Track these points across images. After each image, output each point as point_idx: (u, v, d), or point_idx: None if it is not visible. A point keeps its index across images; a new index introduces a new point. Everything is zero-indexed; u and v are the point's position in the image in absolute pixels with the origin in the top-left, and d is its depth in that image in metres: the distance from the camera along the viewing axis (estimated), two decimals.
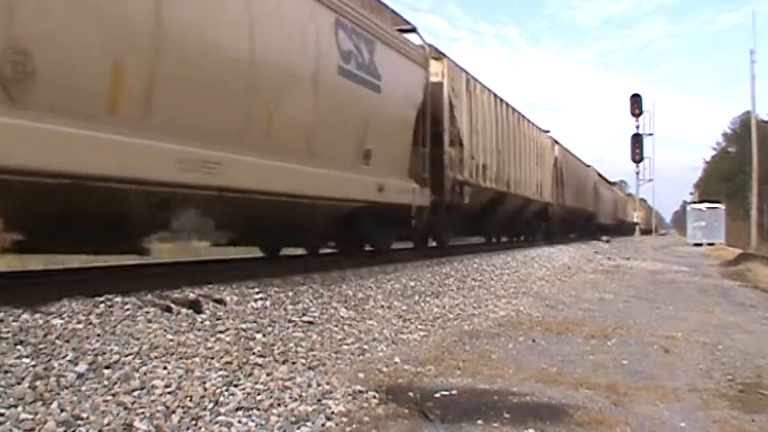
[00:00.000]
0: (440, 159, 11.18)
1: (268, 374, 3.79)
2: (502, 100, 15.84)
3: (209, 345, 4.07)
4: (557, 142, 23.83)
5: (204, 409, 3.15)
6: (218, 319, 4.69)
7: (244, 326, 4.67)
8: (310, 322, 5.26)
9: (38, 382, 3.00)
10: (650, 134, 35.80)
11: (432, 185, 10.59)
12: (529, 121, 18.98)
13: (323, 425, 3.21)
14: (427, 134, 10.52)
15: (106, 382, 3.18)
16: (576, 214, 28.00)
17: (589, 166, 33.37)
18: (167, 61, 4.99)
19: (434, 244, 13.25)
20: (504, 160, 15.71)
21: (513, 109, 17.03)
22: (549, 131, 22.21)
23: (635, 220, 38.39)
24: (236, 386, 3.50)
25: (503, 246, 17.72)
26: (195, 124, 5.36)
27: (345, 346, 4.84)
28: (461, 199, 12.38)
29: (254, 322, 4.85)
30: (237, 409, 3.23)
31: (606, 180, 41.42)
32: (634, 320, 7.17)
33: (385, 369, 4.35)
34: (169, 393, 3.22)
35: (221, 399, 3.31)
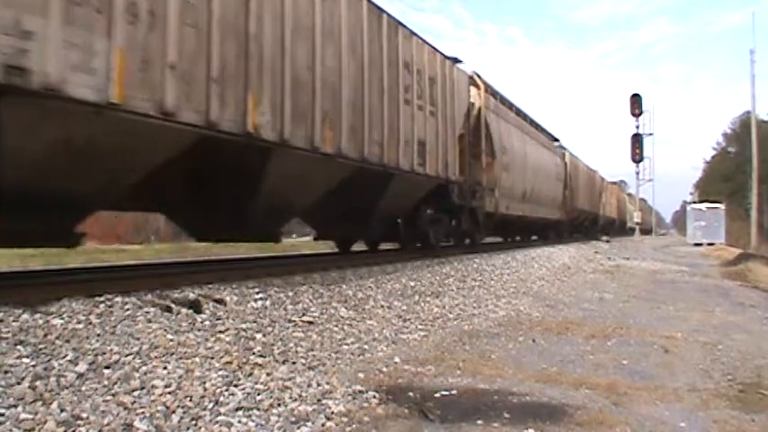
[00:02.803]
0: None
1: (268, 374, 3.79)
2: None
3: (209, 345, 4.07)
4: None
5: (204, 409, 3.15)
6: (218, 319, 4.69)
7: (244, 326, 4.67)
8: (310, 322, 5.26)
9: (38, 382, 3.00)
10: (650, 134, 35.90)
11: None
12: None
13: (323, 425, 3.21)
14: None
15: (106, 382, 3.18)
16: (361, 183, 8.46)
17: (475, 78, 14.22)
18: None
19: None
20: None
21: None
22: None
23: (635, 220, 37.56)
24: (236, 386, 3.51)
25: (503, 246, 17.65)
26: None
27: (345, 346, 4.84)
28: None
29: (254, 322, 4.85)
30: (237, 409, 3.23)
31: (547, 134, 23.57)
32: (634, 320, 7.18)
33: (385, 369, 4.35)
34: (169, 393, 3.22)
35: (221, 399, 3.31)
